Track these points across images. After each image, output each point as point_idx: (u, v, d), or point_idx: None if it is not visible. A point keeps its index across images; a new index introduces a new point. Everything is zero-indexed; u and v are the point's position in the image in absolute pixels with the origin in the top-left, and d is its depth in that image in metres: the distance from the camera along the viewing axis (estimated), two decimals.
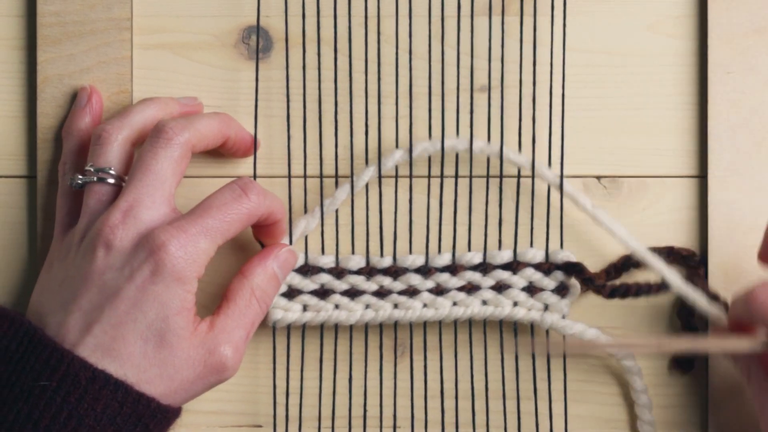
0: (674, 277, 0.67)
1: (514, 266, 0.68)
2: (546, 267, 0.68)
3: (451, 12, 0.69)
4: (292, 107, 0.69)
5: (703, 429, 0.69)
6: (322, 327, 0.69)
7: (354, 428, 0.69)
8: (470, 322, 0.69)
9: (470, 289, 0.68)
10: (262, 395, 0.70)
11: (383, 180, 0.69)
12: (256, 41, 0.70)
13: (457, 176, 0.69)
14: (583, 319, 0.68)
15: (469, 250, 0.69)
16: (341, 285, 0.68)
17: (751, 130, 0.68)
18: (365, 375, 0.69)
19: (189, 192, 0.69)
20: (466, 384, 0.69)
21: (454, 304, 0.68)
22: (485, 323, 0.69)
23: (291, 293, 0.68)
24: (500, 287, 0.68)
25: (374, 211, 0.69)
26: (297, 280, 0.68)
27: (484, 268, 0.68)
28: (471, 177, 0.69)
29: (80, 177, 0.65)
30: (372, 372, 0.69)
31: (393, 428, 0.69)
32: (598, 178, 0.70)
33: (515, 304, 0.68)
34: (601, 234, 0.69)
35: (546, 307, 0.68)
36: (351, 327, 0.69)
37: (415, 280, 0.68)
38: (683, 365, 0.69)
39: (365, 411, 0.69)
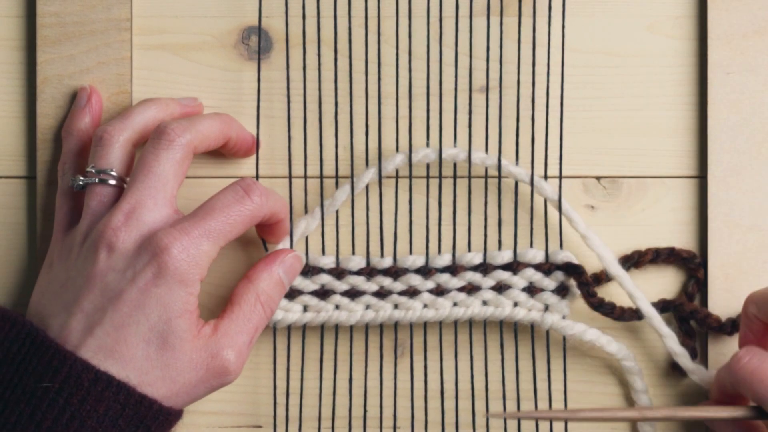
0: (654, 316, 0.67)
1: (514, 267, 0.68)
2: (546, 267, 0.68)
3: (449, 13, 0.69)
4: (292, 108, 0.69)
5: (704, 429, 0.69)
6: (322, 327, 0.69)
7: (354, 428, 0.69)
8: (470, 323, 0.69)
9: (470, 289, 0.68)
10: (261, 396, 0.70)
11: (383, 181, 0.69)
12: (258, 42, 0.70)
13: (455, 177, 0.69)
14: (583, 319, 0.68)
15: (469, 250, 0.69)
16: (341, 285, 0.68)
17: (751, 131, 0.68)
18: (365, 375, 0.69)
19: (190, 193, 0.69)
20: (466, 384, 0.69)
21: (455, 304, 0.68)
22: (485, 323, 0.69)
23: (291, 294, 0.68)
24: (500, 288, 0.68)
25: (374, 212, 0.69)
26: (297, 281, 0.68)
27: (484, 268, 0.68)
28: (470, 177, 0.69)
29: (81, 178, 0.65)
30: (372, 372, 0.69)
31: (393, 428, 0.69)
32: (598, 178, 0.70)
33: (515, 304, 0.68)
34: (601, 234, 0.69)
35: (546, 308, 0.68)
36: (351, 327, 0.69)
37: (416, 280, 0.68)
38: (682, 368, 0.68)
39: (365, 411, 0.69)
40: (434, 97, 0.69)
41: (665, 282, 0.70)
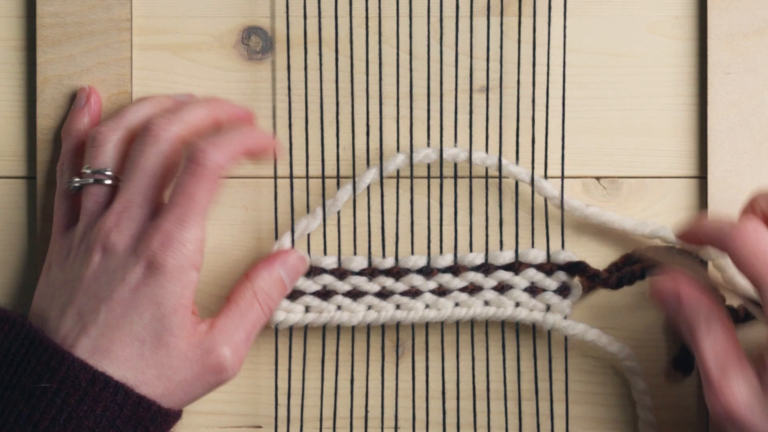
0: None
1: (516, 267, 0.68)
2: (548, 267, 0.68)
3: (449, 13, 0.69)
4: (293, 108, 0.69)
5: (704, 429, 0.69)
6: (324, 328, 0.69)
7: (356, 428, 0.69)
8: (472, 323, 0.69)
9: (472, 289, 0.68)
10: (261, 396, 0.70)
11: (384, 181, 0.69)
12: (271, 41, 0.70)
13: (456, 177, 0.69)
14: (584, 319, 0.68)
15: (471, 250, 0.69)
16: (343, 286, 0.68)
17: (751, 131, 0.68)
18: (366, 375, 0.69)
19: None
20: (467, 384, 0.69)
21: (456, 304, 0.68)
22: (487, 323, 0.69)
23: (293, 294, 0.68)
24: (502, 288, 0.68)
25: (376, 212, 0.69)
26: (299, 282, 0.68)
27: (486, 268, 0.68)
28: (471, 177, 0.69)
29: (77, 179, 0.66)
30: (374, 372, 0.69)
31: (394, 428, 0.69)
32: (598, 178, 0.70)
33: (517, 304, 0.68)
34: (602, 234, 0.69)
35: (548, 308, 0.68)
36: (353, 328, 0.69)
37: (418, 280, 0.68)
38: (683, 367, 0.68)
39: (366, 412, 0.69)
40: (435, 97, 0.69)
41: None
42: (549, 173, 0.69)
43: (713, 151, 0.68)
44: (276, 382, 0.69)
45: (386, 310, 0.68)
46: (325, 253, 0.69)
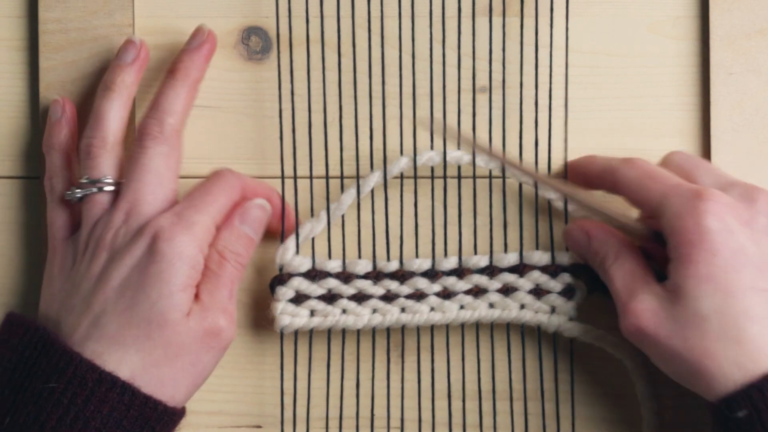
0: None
1: (520, 269, 0.68)
2: (552, 269, 0.68)
3: (452, 13, 0.69)
4: (287, 108, 0.69)
5: (706, 429, 0.70)
6: (329, 331, 0.69)
7: (362, 428, 0.69)
8: (477, 324, 0.69)
9: (477, 292, 0.68)
10: (261, 396, 0.70)
11: (388, 182, 0.69)
12: (271, 41, 0.69)
13: (459, 177, 0.69)
14: (589, 320, 0.68)
15: (475, 253, 0.69)
16: (348, 290, 0.68)
17: (754, 131, 0.69)
18: (372, 376, 0.69)
19: None
20: (473, 385, 0.69)
21: (461, 307, 0.68)
22: (492, 324, 0.69)
23: (298, 299, 0.68)
24: (507, 290, 0.68)
25: (380, 215, 0.69)
26: (304, 286, 0.68)
27: (490, 271, 0.68)
28: (474, 178, 0.69)
29: (78, 190, 0.66)
30: (379, 373, 0.69)
31: (401, 429, 0.70)
32: None
33: (522, 306, 0.68)
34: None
35: (553, 310, 0.68)
36: (358, 330, 0.69)
37: (422, 283, 0.68)
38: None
39: (372, 413, 0.69)
40: (438, 97, 0.69)
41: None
42: (551, 173, 0.69)
43: (716, 151, 0.69)
44: (282, 383, 0.69)
45: (391, 314, 0.68)
46: (329, 256, 0.69)
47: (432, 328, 0.69)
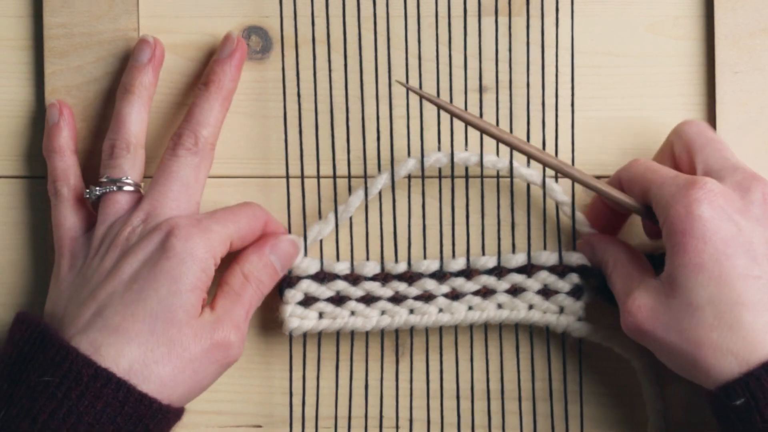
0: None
1: (528, 269, 0.68)
2: (560, 269, 0.68)
3: (456, 13, 0.69)
4: (293, 108, 0.69)
5: (709, 429, 0.70)
6: (338, 332, 0.69)
7: (370, 428, 0.69)
8: (485, 325, 0.69)
9: (485, 293, 0.68)
10: (265, 396, 0.70)
11: (396, 183, 0.69)
12: (281, 41, 0.70)
13: (467, 177, 0.69)
14: (598, 320, 0.68)
15: (483, 253, 0.69)
16: (357, 291, 0.68)
17: (760, 129, 0.69)
18: (381, 377, 0.69)
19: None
20: (481, 385, 0.69)
21: (470, 308, 0.68)
22: (501, 325, 0.69)
23: (307, 301, 0.68)
24: (515, 290, 0.68)
25: (388, 216, 0.69)
26: (313, 288, 0.68)
27: (498, 271, 0.68)
28: (482, 178, 0.69)
29: (98, 188, 0.66)
30: (388, 374, 0.70)
31: (409, 429, 0.70)
32: (598, 178, 0.70)
33: (530, 307, 0.68)
34: None
35: (561, 310, 0.68)
36: (367, 332, 0.69)
37: (431, 285, 0.68)
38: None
39: (381, 413, 0.69)
40: (444, 96, 0.69)
41: None
42: (549, 173, 0.69)
43: None
44: (290, 384, 0.69)
45: (400, 315, 0.68)
46: (337, 258, 0.69)
47: (440, 329, 0.69)
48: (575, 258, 0.68)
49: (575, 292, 0.68)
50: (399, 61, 0.69)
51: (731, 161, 0.64)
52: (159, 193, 0.65)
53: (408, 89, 0.65)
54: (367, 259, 0.69)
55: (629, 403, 0.70)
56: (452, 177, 0.69)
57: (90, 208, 0.68)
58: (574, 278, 0.68)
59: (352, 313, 0.68)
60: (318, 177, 0.69)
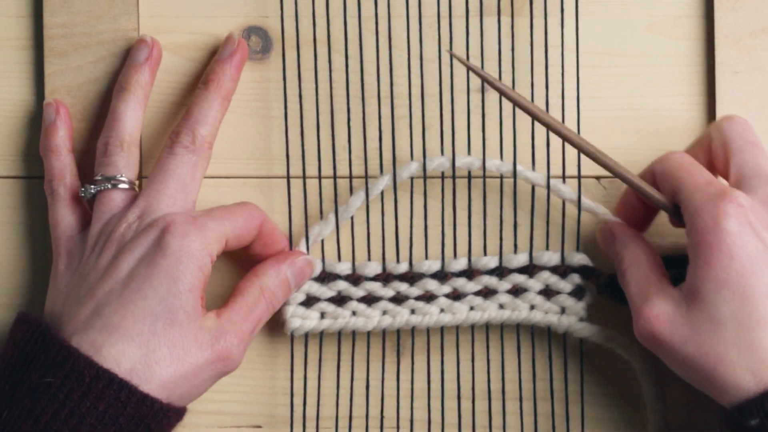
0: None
1: (530, 269, 0.68)
2: (562, 270, 0.68)
3: (458, 12, 0.69)
4: (294, 108, 0.69)
5: (709, 430, 0.70)
6: (339, 332, 0.69)
7: (371, 428, 0.69)
8: (487, 325, 0.69)
9: (487, 293, 0.68)
10: (266, 396, 0.70)
11: (398, 183, 0.69)
12: (282, 41, 0.70)
13: (470, 178, 0.69)
14: (599, 321, 0.68)
15: (485, 254, 0.69)
16: (358, 292, 0.68)
17: (760, 129, 0.68)
18: (382, 377, 0.69)
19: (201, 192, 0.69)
20: (482, 385, 0.69)
21: (471, 308, 0.68)
22: (502, 325, 0.69)
23: (309, 301, 0.68)
24: (517, 291, 0.68)
25: (389, 216, 0.69)
26: (314, 288, 0.68)
27: (500, 271, 0.68)
28: (484, 178, 0.69)
29: (92, 186, 0.66)
30: (389, 374, 0.70)
31: (410, 429, 0.70)
32: (598, 178, 0.70)
33: (532, 307, 0.68)
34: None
35: (563, 310, 0.68)
36: (368, 332, 0.69)
37: (432, 285, 0.68)
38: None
39: (382, 413, 0.69)
40: (446, 96, 0.69)
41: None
42: (553, 173, 0.69)
43: None
44: (292, 384, 0.69)
45: (401, 315, 0.68)
46: (339, 259, 0.69)
47: (442, 329, 0.69)
48: (577, 258, 0.68)
49: (577, 293, 0.68)
50: (400, 61, 0.69)
51: (765, 171, 0.62)
52: (155, 191, 0.65)
53: (458, 60, 0.63)
54: (369, 259, 0.69)
55: (630, 403, 0.70)
56: (453, 177, 0.69)
57: (87, 207, 0.68)
58: (576, 279, 0.68)
59: (354, 313, 0.68)
60: (319, 177, 0.69)
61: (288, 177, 0.69)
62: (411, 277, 0.68)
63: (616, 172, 0.64)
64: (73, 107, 0.69)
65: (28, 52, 0.70)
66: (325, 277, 0.68)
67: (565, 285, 0.68)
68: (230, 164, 0.70)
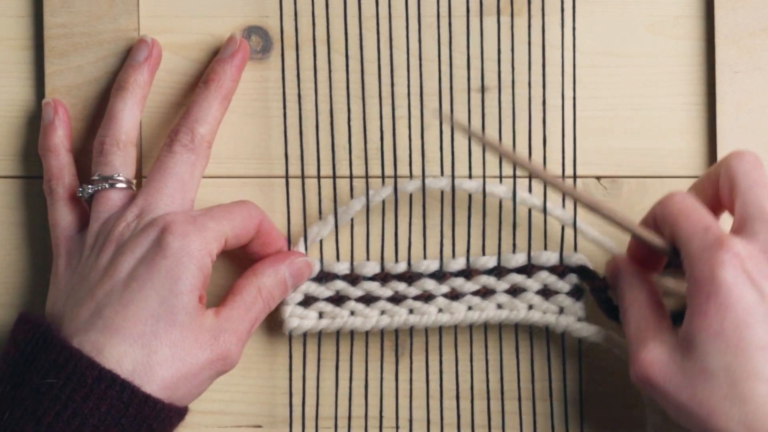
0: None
1: (528, 269, 0.68)
2: (560, 270, 0.68)
3: (458, 12, 0.69)
4: (293, 107, 0.69)
5: None
6: (338, 332, 0.69)
7: (370, 428, 0.69)
8: (485, 325, 0.69)
9: (485, 293, 0.68)
10: (265, 396, 0.70)
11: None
12: (281, 40, 0.70)
13: (471, 177, 0.69)
14: (598, 321, 0.68)
15: (483, 254, 0.69)
16: (356, 291, 0.68)
17: (760, 129, 0.69)
18: (381, 377, 0.69)
19: (200, 192, 0.69)
20: (481, 385, 0.69)
21: (469, 308, 0.68)
22: (500, 325, 0.69)
23: (307, 301, 0.68)
24: (515, 290, 0.68)
25: (388, 216, 0.69)
26: (312, 288, 0.68)
27: (498, 271, 0.68)
28: (484, 177, 0.69)
29: (90, 186, 0.66)
30: (388, 374, 0.70)
31: (409, 429, 0.70)
32: (598, 178, 0.70)
33: (530, 307, 0.68)
34: (613, 235, 0.69)
35: (561, 310, 0.68)
36: (366, 332, 0.69)
37: (430, 285, 0.68)
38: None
39: (381, 413, 0.69)
40: (445, 96, 0.69)
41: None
42: (557, 173, 0.69)
43: (722, 150, 0.69)
44: (290, 384, 0.69)
45: (399, 315, 0.68)
46: (337, 258, 0.69)
47: (440, 329, 0.69)
48: (575, 258, 0.68)
49: (575, 293, 0.68)
50: (400, 62, 0.69)
51: None
52: (154, 189, 0.65)
53: (448, 123, 0.65)
54: (368, 259, 0.69)
55: (628, 403, 0.69)
56: (452, 177, 0.68)
57: (86, 207, 0.68)
58: (574, 279, 0.68)
59: (352, 312, 0.68)
60: (318, 177, 0.69)
61: (287, 177, 0.69)
62: (409, 277, 0.68)
63: (617, 222, 0.63)
64: (74, 107, 0.69)
65: (29, 52, 0.70)
66: (324, 277, 0.68)
67: (564, 285, 0.68)
68: (230, 164, 0.70)
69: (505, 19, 0.69)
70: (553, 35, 0.69)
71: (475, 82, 0.69)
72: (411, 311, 0.68)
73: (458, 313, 0.68)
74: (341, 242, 0.69)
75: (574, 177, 0.69)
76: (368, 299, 0.68)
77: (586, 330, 0.67)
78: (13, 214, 0.71)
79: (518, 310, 0.68)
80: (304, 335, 0.69)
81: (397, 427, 0.70)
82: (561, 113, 0.69)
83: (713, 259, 0.59)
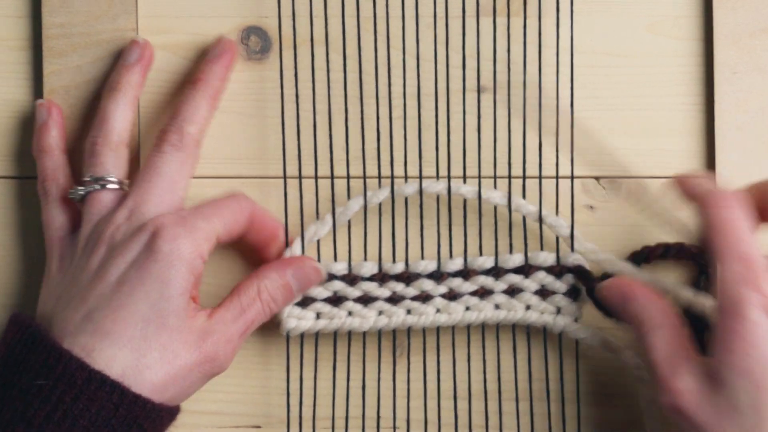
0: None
1: (525, 270, 0.68)
2: (557, 270, 0.68)
3: (455, 13, 0.69)
4: (291, 108, 0.69)
5: None
6: (335, 332, 0.69)
7: (367, 429, 0.70)
8: (483, 325, 0.69)
9: (483, 293, 0.68)
10: (263, 397, 0.70)
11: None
12: (279, 41, 0.70)
13: (465, 178, 0.69)
14: (595, 321, 0.68)
15: (481, 254, 0.69)
16: (354, 292, 0.68)
17: (759, 130, 0.68)
18: (378, 377, 0.69)
19: (195, 194, 0.69)
20: (479, 385, 0.69)
21: (467, 308, 0.68)
22: (498, 326, 0.69)
23: (304, 301, 0.68)
24: (512, 291, 0.68)
25: (386, 217, 0.69)
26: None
27: (496, 272, 0.68)
28: (480, 178, 0.69)
29: (81, 188, 0.66)
30: (385, 374, 0.70)
31: (406, 429, 0.70)
32: (597, 179, 0.70)
33: (528, 307, 0.68)
34: (599, 234, 0.69)
35: (558, 311, 0.68)
36: (364, 332, 0.69)
37: (428, 285, 0.68)
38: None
39: (378, 413, 0.69)
40: (442, 97, 0.69)
41: (675, 279, 0.70)
42: (547, 173, 0.69)
43: (721, 151, 0.69)
44: (288, 385, 0.69)
45: (397, 315, 0.68)
46: (335, 259, 0.69)
47: (438, 329, 0.69)
48: (572, 259, 0.68)
49: (572, 293, 0.68)
50: (397, 62, 0.69)
51: None
52: (143, 190, 0.65)
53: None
54: (365, 259, 0.69)
55: (626, 403, 0.69)
56: (449, 177, 0.68)
57: (79, 208, 0.68)
58: (571, 279, 0.68)
59: (350, 313, 0.68)
60: (316, 177, 0.69)
61: (285, 177, 0.69)
62: (407, 277, 0.68)
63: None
64: (72, 107, 0.69)
65: (27, 53, 0.70)
66: None
67: (561, 285, 0.68)
68: (228, 164, 0.70)
69: (503, 20, 0.69)
70: (553, 35, 0.69)
71: (472, 82, 0.69)
72: (409, 312, 0.68)
73: (456, 313, 0.68)
74: (339, 243, 0.69)
75: (572, 177, 0.68)
76: (366, 300, 0.68)
77: (583, 330, 0.67)
78: (8, 215, 0.71)
79: (516, 311, 0.68)
80: (302, 336, 0.69)
81: (395, 428, 0.70)
82: (555, 114, 0.68)
83: (741, 296, 0.59)
